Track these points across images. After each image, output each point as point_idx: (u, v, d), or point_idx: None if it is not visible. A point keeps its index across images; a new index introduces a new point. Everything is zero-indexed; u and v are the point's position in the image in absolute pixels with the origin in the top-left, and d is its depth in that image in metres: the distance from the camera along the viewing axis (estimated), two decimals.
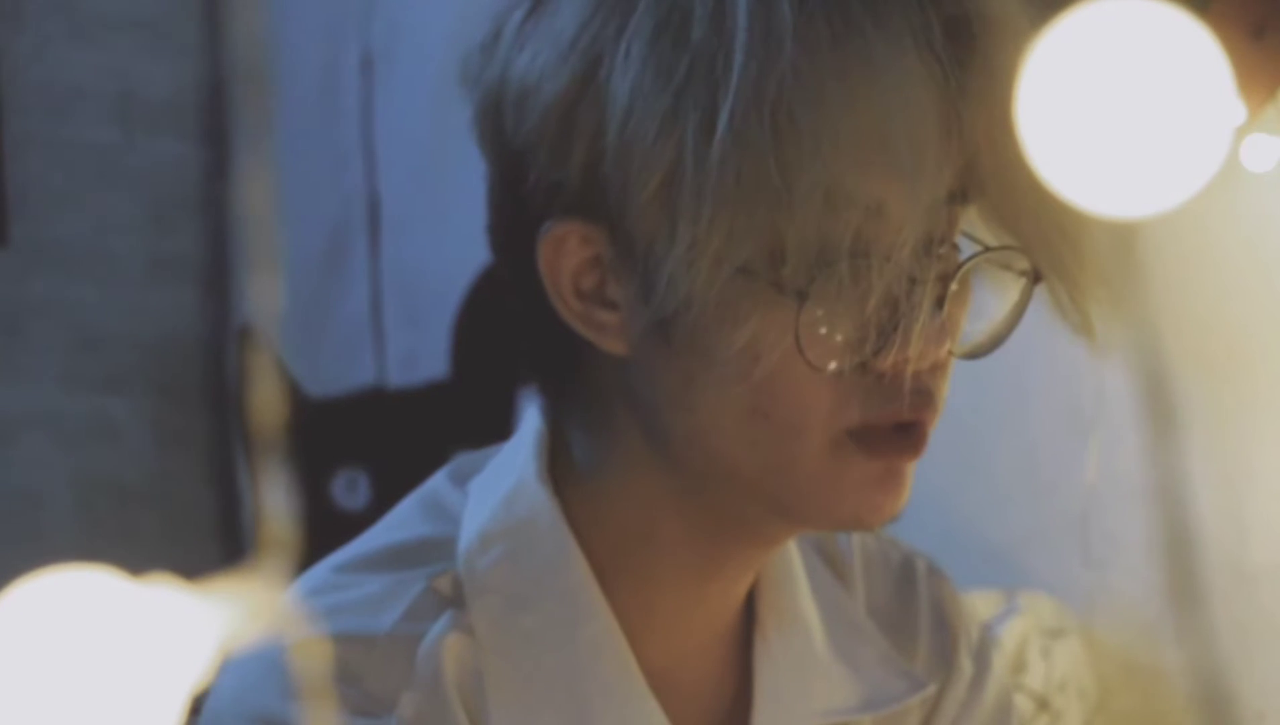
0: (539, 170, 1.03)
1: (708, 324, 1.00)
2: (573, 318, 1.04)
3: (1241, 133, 1.92)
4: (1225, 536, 2.11)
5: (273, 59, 3.06)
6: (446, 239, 2.95)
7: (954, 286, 1.02)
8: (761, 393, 1.01)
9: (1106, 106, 0.62)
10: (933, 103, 0.99)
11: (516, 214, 1.05)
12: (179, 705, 0.50)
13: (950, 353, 1.04)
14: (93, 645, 0.49)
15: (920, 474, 1.05)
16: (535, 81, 1.03)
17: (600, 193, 1.02)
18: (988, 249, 1.04)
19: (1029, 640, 2.14)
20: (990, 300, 1.05)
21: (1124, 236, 1.04)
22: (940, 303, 1.02)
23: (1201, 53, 0.62)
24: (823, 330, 1.00)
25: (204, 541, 3.13)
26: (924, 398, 1.02)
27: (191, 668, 0.50)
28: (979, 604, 2.14)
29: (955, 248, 1.04)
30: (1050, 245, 1.03)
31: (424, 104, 3.00)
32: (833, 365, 1.00)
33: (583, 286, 1.04)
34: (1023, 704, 2.11)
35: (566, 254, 1.03)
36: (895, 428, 1.03)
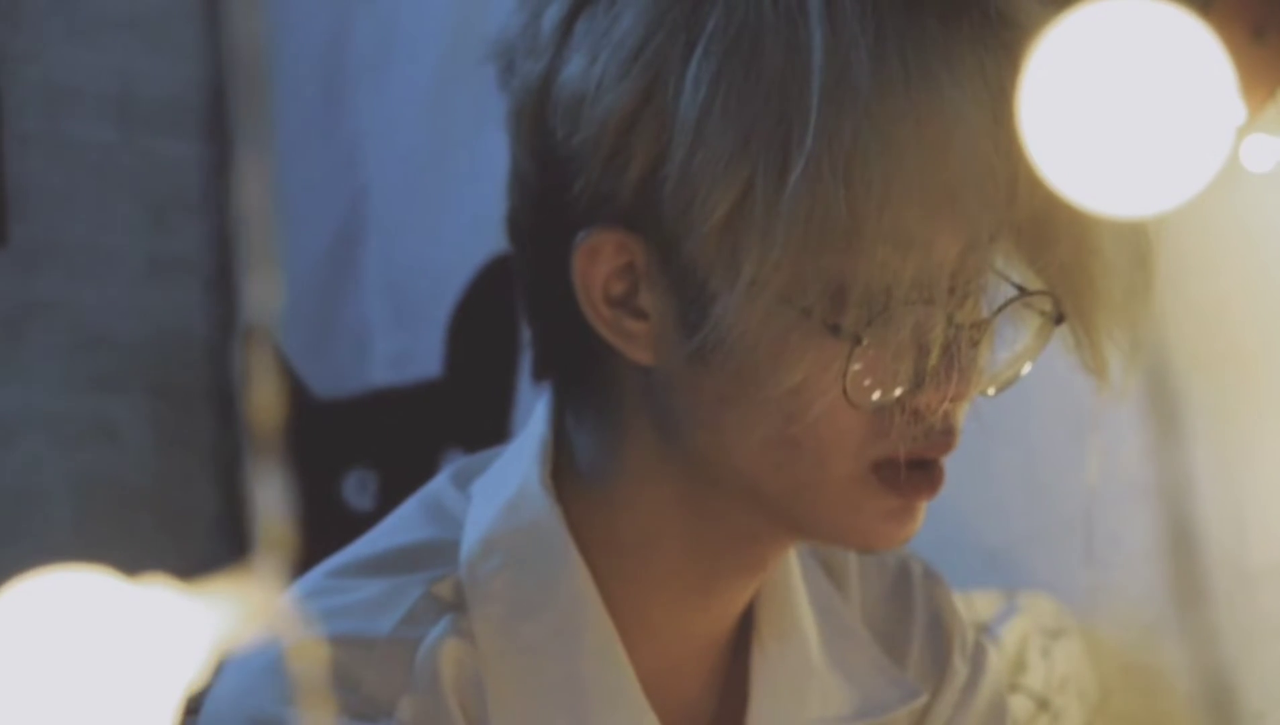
0: (587, 179, 1.01)
1: (757, 361, 0.99)
2: (601, 324, 1.03)
3: (1241, 133, 1.92)
4: (1226, 537, 2.11)
5: (273, 59, 3.06)
6: (440, 239, 2.95)
7: (987, 331, 1.02)
8: (795, 423, 1.00)
9: (1108, 106, 0.62)
10: (997, 151, 0.98)
11: (554, 217, 1.04)
12: (173, 706, 0.50)
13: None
14: (87, 646, 0.49)
15: None
16: (592, 90, 1.00)
17: (653, 212, 1.00)
18: (1022, 293, 1.04)
19: (1029, 640, 2.14)
20: (1003, 327, 1.05)
21: (1142, 251, 1.04)
22: (975, 343, 1.02)
23: (1203, 52, 0.62)
24: (872, 374, 0.99)
25: (204, 541, 3.13)
26: (950, 435, 1.03)
27: (186, 668, 0.50)
28: (979, 604, 2.14)
29: (983, 288, 1.04)
30: (1078, 291, 1.03)
31: (418, 105, 3.00)
32: (873, 403, 1.00)
33: (613, 293, 1.03)
34: (1023, 704, 2.11)
35: (601, 261, 1.02)
36: (915, 463, 1.03)
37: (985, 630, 2.10)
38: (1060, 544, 2.26)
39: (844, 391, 0.99)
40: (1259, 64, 1.82)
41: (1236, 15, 1.80)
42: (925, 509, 1.05)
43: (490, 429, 2.67)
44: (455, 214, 2.93)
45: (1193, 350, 2.12)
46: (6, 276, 3.01)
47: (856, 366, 0.99)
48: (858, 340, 0.98)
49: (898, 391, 1.00)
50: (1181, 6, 0.62)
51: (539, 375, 1.10)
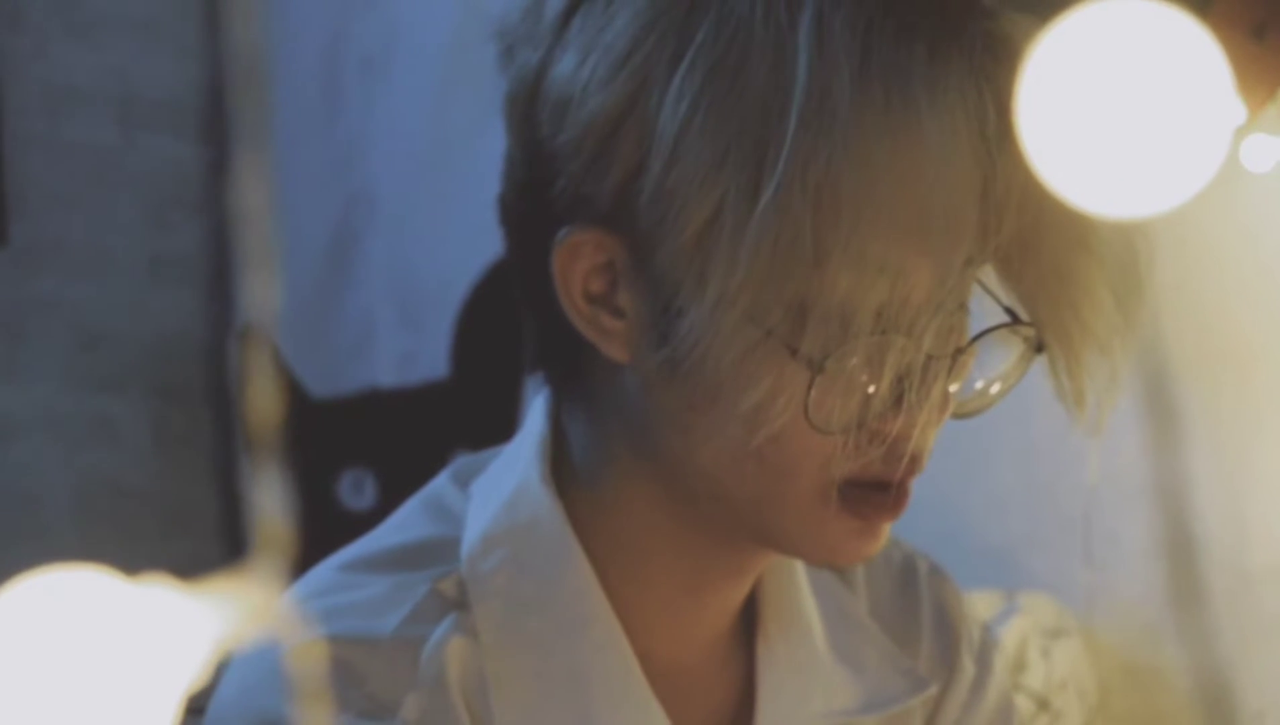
0: (569, 179, 1.02)
1: (720, 377, 1.00)
2: (579, 319, 1.04)
3: (1241, 133, 1.92)
4: (1225, 537, 2.11)
5: (273, 59, 3.06)
6: (445, 239, 2.95)
7: (962, 358, 1.02)
8: (759, 439, 1.00)
9: (1107, 107, 0.62)
10: (975, 183, 0.98)
11: (537, 209, 1.04)
12: (173, 705, 0.50)
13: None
14: (87, 645, 0.49)
15: (921, 474, 1.05)
16: (579, 92, 1.01)
17: (630, 218, 1.01)
18: (999, 326, 1.04)
19: (1029, 640, 2.14)
20: (987, 348, 1.05)
21: (1130, 284, 1.04)
22: (945, 372, 1.02)
23: (1202, 53, 0.62)
24: (831, 397, 0.99)
25: (204, 541, 3.13)
26: (913, 461, 1.03)
27: (186, 668, 0.50)
28: (979, 604, 2.14)
29: (965, 310, 1.04)
30: (1062, 323, 1.03)
31: (422, 104, 3.00)
32: (834, 427, 1.00)
33: (592, 290, 1.03)
34: (1023, 704, 2.11)
35: (581, 258, 1.03)
36: (879, 485, 1.03)
37: (986, 631, 2.09)
38: (1060, 544, 2.26)
39: (805, 414, 0.99)
40: (1259, 63, 1.82)
41: (1236, 15, 1.80)
42: (888, 529, 1.05)
43: (497, 429, 2.67)
44: (459, 214, 2.93)
45: (1192, 350, 2.12)
46: (6, 276, 3.01)
47: (817, 390, 0.99)
48: (818, 365, 0.98)
49: (857, 416, 1.00)
50: (1181, 6, 0.62)
51: (535, 366, 1.10)
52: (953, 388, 1.03)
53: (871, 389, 0.99)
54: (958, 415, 1.05)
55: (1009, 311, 1.04)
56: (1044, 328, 1.03)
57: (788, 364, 0.99)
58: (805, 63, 0.97)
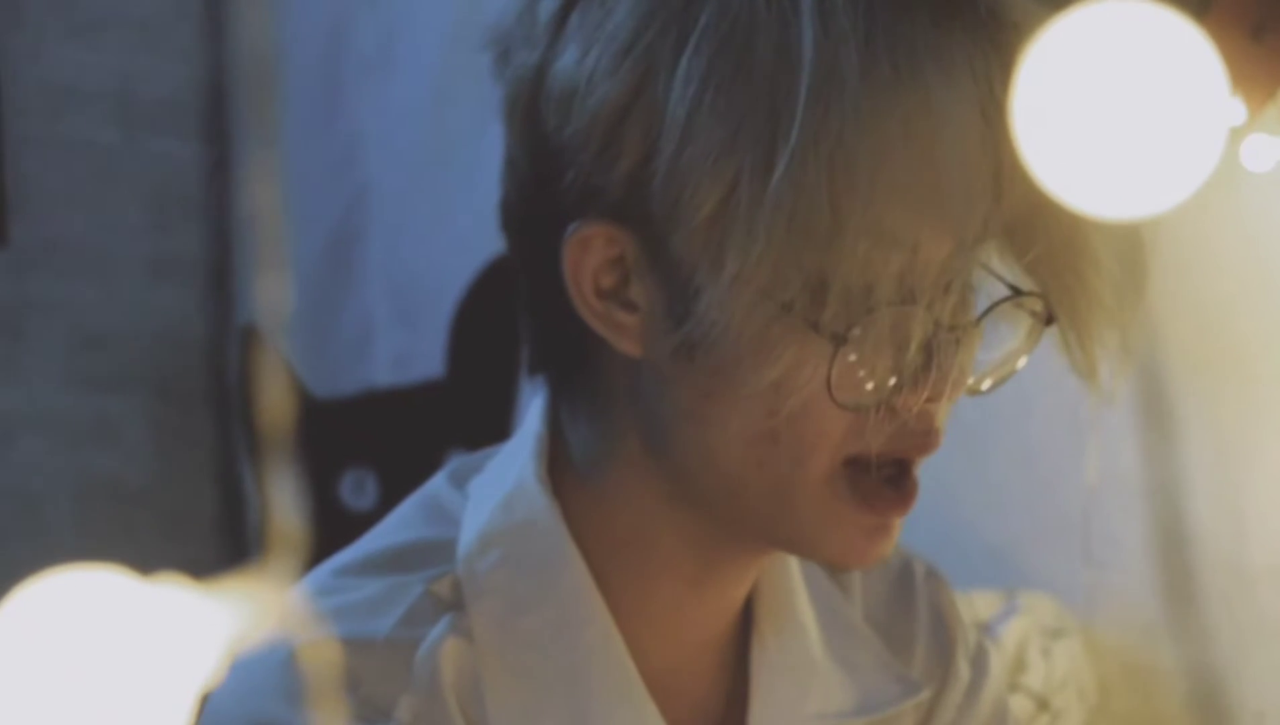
0: (578, 172, 1.02)
1: (740, 355, 1.00)
2: (591, 316, 1.04)
3: (1241, 133, 1.92)
4: (1224, 537, 2.11)
5: (273, 58, 3.05)
6: (443, 239, 2.95)
7: (974, 331, 1.03)
8: (776, 419, 1.01)
9: (1103, 108, 0.62)
10: (987, 149, 0.98)
11: (545, 208, 1.04)
12: (188, 704, 0.50)
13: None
14: (102, 645, 0.49)
15: (921, 473, 1.05)
16: (584, 84, 1.01)
17: (642, 205, 1.01)
18: (1011, 295, 1.04)
19: (1029, 640, 2.14)
20: (995, 326, 1.05)
21: (1134, 253, 1.04)
22: (959, 344, 1.02)
23: (1196, 53, 0.62)
24: (853, 371, 1.00)
25: (204, 541, 3.13)
26: (929, 436, 1.03)
27: (200, 667, 0.50)
28: (979, 604, 2.15)
29: (972, 289, 1.04)
30: (1069, 293, 1.03)
31: (422, 104, 3.01)
32: (854, 401, 1.00)
33: (603, 285, 1.03)
34: (1023, 704, 2.11)
35: (592, 252, 1.03)
36: (890, 468, 1.03)
37: (985, 630, 2.10)
38: (1060, 544, 2.26)
39: (827, 389, 0.99)
40: (1258, 64, 1.82)
41: (1236, 15, 1.80)
42: (900, 527, 1.05)
43: (492, 429, 2.67)
44: (457, 214, 2.93)
45: (1191, 350, 2.12)
46: (6, 276, 3.01)
47: (838, 364, 0.99)
48: (840, 338, 0.98)
49: (879, 390, 1.00)
50: (1180, 6, 0.62)
51: (535, 368, 1.10)
52: (965, 362, 1.03)
53: (893, 361, 1.00)
54: (979, 392, 1.05)
55: (1013, 289, 1.04)
56: (1053, 297, 1.03)
57: (809, 339, 0.99)
58: (810, 40, 0.98)
